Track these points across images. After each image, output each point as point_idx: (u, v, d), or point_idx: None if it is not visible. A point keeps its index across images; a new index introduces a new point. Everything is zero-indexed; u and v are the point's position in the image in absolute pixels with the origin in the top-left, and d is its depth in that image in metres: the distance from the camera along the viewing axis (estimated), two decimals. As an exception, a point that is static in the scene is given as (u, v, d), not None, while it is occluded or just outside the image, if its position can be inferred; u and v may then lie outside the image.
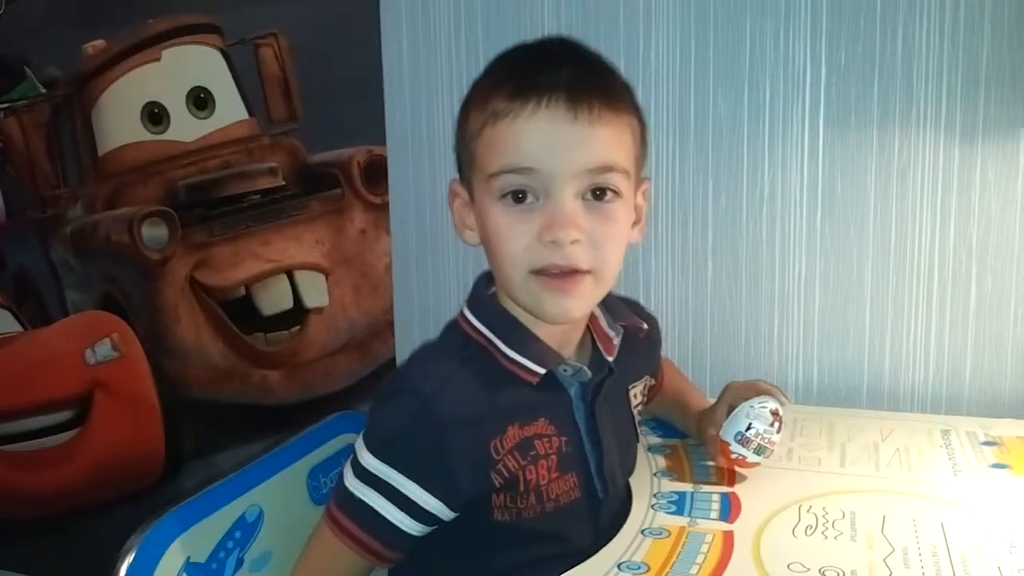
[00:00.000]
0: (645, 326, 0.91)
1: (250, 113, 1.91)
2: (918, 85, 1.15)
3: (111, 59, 1.97)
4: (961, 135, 1.15)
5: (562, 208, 0.76)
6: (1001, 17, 1.11)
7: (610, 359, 0.86)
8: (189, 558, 0.83)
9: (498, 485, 0.78)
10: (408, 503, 0.77)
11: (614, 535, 0.82)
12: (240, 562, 0.89)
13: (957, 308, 1.18)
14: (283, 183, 1.89)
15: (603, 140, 0.77)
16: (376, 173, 1.68)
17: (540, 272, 0.77)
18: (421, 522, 0.78)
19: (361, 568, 0.81)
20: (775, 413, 0.89)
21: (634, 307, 0.94)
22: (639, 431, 0.95)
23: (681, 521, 0.82)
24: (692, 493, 0.89)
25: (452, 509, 0.78)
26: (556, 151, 0.76)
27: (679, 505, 0.86)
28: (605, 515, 0.85)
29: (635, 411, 0.94)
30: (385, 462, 0.77)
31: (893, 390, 1.22)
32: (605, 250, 0.78)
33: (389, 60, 1.41)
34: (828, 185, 1.21)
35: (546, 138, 0.76)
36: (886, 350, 1.22)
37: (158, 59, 1.94)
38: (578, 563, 0.77)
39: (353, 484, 0.79)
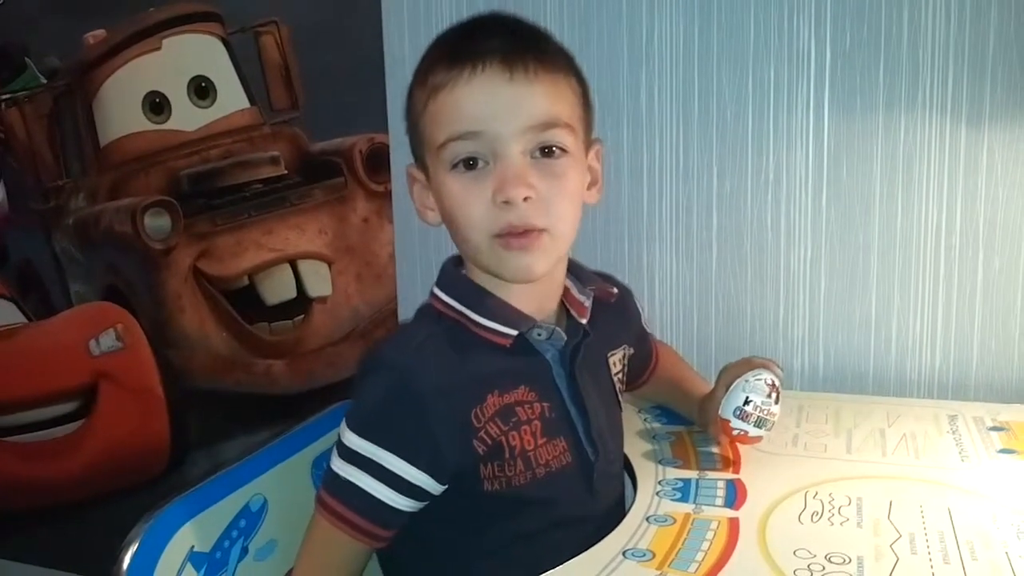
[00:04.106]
0: (615, 290, 0.92)
1: (251, 102, 1.91)
2: (924, 68, 1.14)
3: (112, 49, 1.96)
4: (967, 118, 1.14)
5: (511, 167, 0.78)
6: (1008, -2, 1.10)
7: (583, 321, 0.87)
8: (193, 547, 0.83)
9: (482, 453, 0.79)
10: (394, 478, 0.77)
11: (616, 511, 0.83)
12: (244, 551, 0.89)
13: (964, 293, 1.17)
14: (285, 172, 1.89)
15: (542, 96, 0.79)
16: (378, 161, 1.68)
17: (500, 235, 0.79)
18: (410, 497, 0.79)
19: (358, 551, 0.81)
20: (771, 384, 0.90)
21: (605, 277, 0.95)
22: (620, 400, 0.96)
23: (686, 508, 0.82)
24: (697, 480, 0.88)
25: (439, 481, 0.79)
26: (497, 112, 0.78)
27: (684, 492, 0.85)
28: (599, 480, 0.85)
29: (615, 379, 0.94)
30: (366, 439, 0.78)
31: (899, 376, 1.21)
32: (558, 206, 0.79)
33: (391, 47, 1.40)
34: (833, 170, 1.20)
35: (486, 100, 0.78)
36: (892, 335, 1.21)
37: (159, 48, 1.93)
38: (575, 533, 0.78)
39: (338, 465, 0.80)
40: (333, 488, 0.80)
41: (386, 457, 0.77)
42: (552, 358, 0.85)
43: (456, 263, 0.88)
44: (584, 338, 0.86)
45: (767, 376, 0.90)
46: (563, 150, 0.80)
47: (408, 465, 0.77)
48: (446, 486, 0.80)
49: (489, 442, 0.79)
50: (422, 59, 0.84)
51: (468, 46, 0.79)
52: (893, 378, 1.22)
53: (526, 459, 0.81)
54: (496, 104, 0.78)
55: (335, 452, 0.81)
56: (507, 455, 0.80)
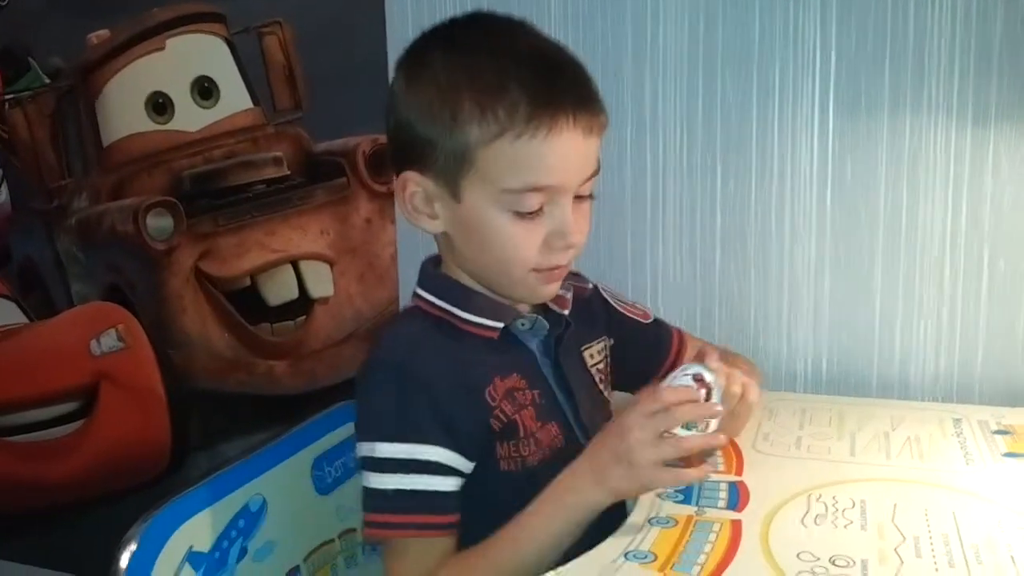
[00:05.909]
0: (590, 286, 0.96)
1: (255, 102, 1.91)
2: (929, 69, 1.14)
3: (115, 49, 1.97)
4: (973, 119, 1.13)
5: (570, 216, 0.81)
6: (1015, -1, 1.10)
7: (565, 312, 0.89)
8: (192, 547, 0.83)
9: (498, 430, 0.82)
10: (432, 465, 0.79)
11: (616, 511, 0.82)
12: (243, 551, 0.89)
13: (968, 295, 1.17)
14: (288, 172, 1.89)
15: (596, 149, 0.83)
16: (381, 162, 1.68)
17: (541, 270, 0.83)
18: (452, 476, 0.80)
19: (441, 548, 0.81)
20: (699, 379, 0.79)
21: (572, 275, 0.96)
22: (605, 392, 0.96)
23: (688, 510, 0.81)
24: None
25: (468, 458, 0.81)
26: (573, 167, 0.81)
27: (686, 494, 0.85)
28: None
29: (595, 370, 0.95)
30: (392, 441, 0.79)
31: (903, 378, 1.21)
32: (584, 242, 0.85)
33: (394, 47, 1.40)
34: (838, 171, 1.20)
35: (566, 155, 0.80)
36: (896, 338, 1.20)
37: (162, 48, 1.93)
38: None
39: (378, 481, 0.80)
40: (387, 505, 0.80)
41: (415, 450, 0.79)
42: (536, 348, 0.88)
43: (435, 264, 0.90)
44: (567, 328, 0.89)
45: (694, 370, 0.80)
46: (591, 194, 0.85)
47: (437, 448, 0.79)
48: (475, 463, 0.81)
49: (504, 420, 0.82)
50: (469, 76, 0.79)
51: (550, 94, 0.78)
52: (897, 381, 1.21)
53: (535, 439, 0.84)
54: (573, 159, 0.80)
55: (366, 473, 0.81)
56: (521, 433, 0.83)
